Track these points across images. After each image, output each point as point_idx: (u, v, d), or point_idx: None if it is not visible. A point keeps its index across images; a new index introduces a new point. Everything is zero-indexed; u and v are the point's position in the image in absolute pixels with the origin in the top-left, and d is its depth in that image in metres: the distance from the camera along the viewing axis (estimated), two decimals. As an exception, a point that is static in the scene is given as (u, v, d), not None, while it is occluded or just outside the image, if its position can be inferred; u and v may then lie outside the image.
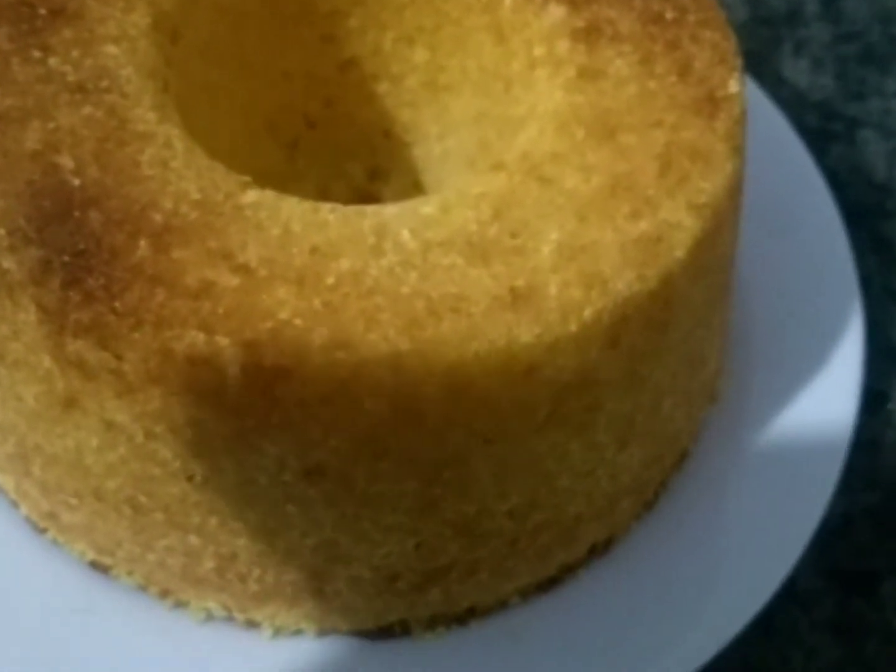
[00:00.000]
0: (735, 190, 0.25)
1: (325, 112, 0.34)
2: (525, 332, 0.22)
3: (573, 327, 0.22)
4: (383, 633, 0.27)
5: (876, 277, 0.37)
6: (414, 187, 0.35)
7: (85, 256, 0.22)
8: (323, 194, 0.35)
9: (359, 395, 0.22)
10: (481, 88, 0.31)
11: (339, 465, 0.23)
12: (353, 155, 0.35)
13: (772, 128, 0.38)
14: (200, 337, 0.21)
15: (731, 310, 0.30)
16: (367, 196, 0.35)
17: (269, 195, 0.24)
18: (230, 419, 0.22)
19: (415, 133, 0.34)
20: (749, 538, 0.29)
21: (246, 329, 0.21)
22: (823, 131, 0.41)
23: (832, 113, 0.42)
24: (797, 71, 0.43)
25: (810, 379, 0.32)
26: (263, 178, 0.34)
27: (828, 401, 0.31)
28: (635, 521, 0.29)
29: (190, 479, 0.24)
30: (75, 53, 0.25)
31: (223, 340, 0.21)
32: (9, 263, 0.22)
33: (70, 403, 0.24)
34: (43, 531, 0.28)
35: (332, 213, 0.24)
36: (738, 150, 0.25)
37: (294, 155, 0.34)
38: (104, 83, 0.25)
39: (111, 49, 0.26)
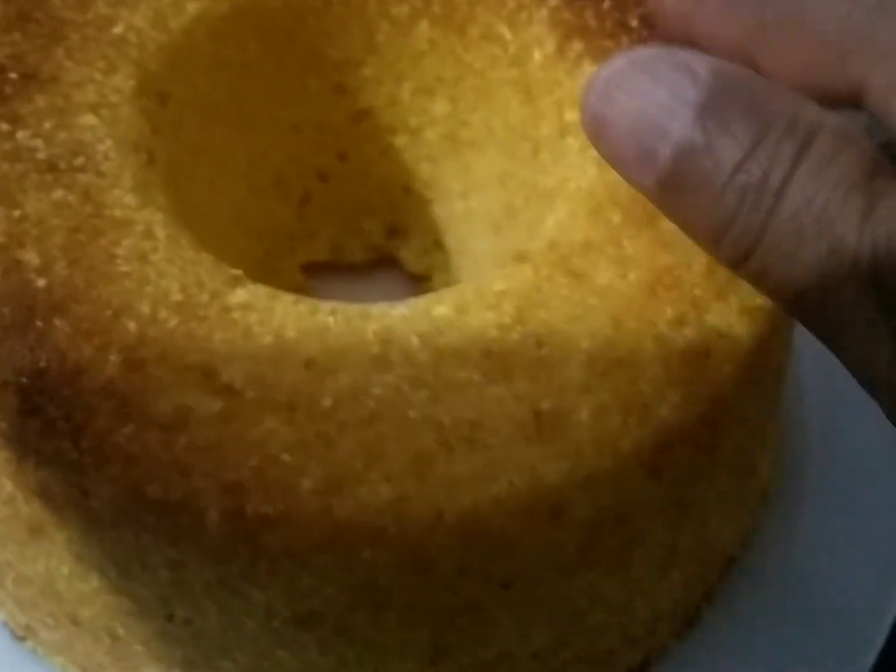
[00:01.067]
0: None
1: (338, 166, 0.31)
2: (552, 468, 0.19)
3: (608, 461, 0.19)
4: None
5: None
6: (435, 246, 0.32)
7: (46, 378, 0.19)
8: (337, 252, 0.32)
9: (357, 543, 0.19)
10: (507, 148, 0.27)
11: (337, 614, 0.20)
12: (370, 211, 0.32)
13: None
14: (174, 478, 0.18)
15: (784, 414, 0.27)
16: (384, 254, 0.32)
17: (260, 294, 0.21)
18: (211, 564, 0.19)
19: (436, 189, 0.30)
20: (803, 655, 0.26)
21: (227, 469, 0.18)
22: None
23: None
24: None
25: (868, 477, 0.28)
26: (272, 238, 0.31)
27: (887, 501, 0.28)
28: (674, 640, 0.26)
29: (170, 618, 0.21)
30: (48, 125, 0.22)
31: (201, 482, 0.18)
32: (-41, 383, 0.19)
33: (36, 531, 0.21)
34: (22, 640, 0.26)
35: (331, 316, 0.21)
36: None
37: (305, 211, 0.31)
38: (79, 161, 0.22)
39: (89, 119, 0.23)
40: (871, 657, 0.26)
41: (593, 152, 0.23)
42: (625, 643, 0.24)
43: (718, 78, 0.16)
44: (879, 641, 0.27)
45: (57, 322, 0.20)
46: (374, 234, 0.32)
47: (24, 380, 0.19)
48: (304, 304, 0.21)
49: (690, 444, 0.20)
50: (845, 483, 0.28)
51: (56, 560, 0.21)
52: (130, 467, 0.18)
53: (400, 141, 0.30)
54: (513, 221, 0.28)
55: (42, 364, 0.19)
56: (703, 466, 0.21)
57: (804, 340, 0.29)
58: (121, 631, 0.22)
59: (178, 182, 0.25)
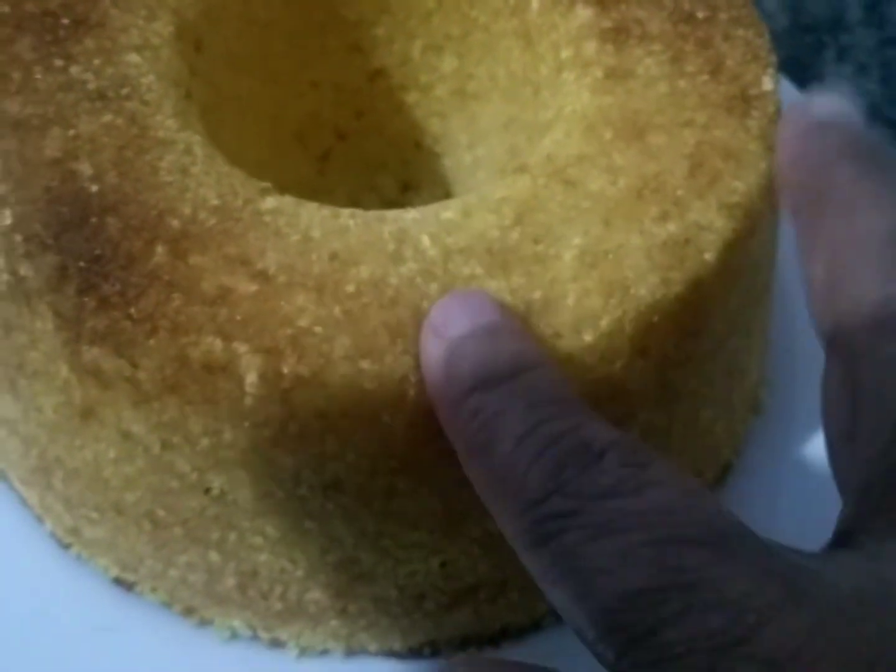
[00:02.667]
0: (770, 190, 0.24)
1: (355, 123, 0.33)
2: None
3: (590, 337, 0.22)
4: (412, 653, 0.26)
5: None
6: (445, 198, 0.34)
7: (101, 262, 0.21)
8: (354, 206, 0.35)
9: (378, 408, 0.21)
10: (510, 95, 0.30)
11: (357, 481, 0.22)
12: (384, 167, 0.34)
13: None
14: (218, 343, 0.21)
15: (772, 318, 0.29)
16: (398, 208, 0.35)
17: (288, 201, 0.24)
18: (247, 429, 0.22)
19: (445, 143, 0.33)
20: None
21: (265, 336, 0.21)
22: (869, 138, 0.40)
23: (878, 118, 0.41)
24: (841, 76, 0.42)
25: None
26: (294, 191, 0.34)
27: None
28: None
29: (207, 491, 0.23)
30: (97, 62, 0.25)
31: (241, 347, 0.21)
32: (26, 270, 0.22)
33: (87, 414, 0.23)
34: (67, 547, 0.28)
35: (351, 219, 0.23)
36: (773, 149, 0.24)
37: (325, 167, 0.34)
38: (125, 91, 0.25)
39: (133, 57, 0.25)
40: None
41: (587, 80, 0.26)
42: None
43: None
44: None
45: (109, 220, 0.22)
46: (388, 189, 0.34)
47: (82, 264, 0.21)
48: (326, 209, 0.24)
49: (674, 326, 0.23)
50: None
51: (104, 444, 0.23)
52: (178, 335, 0.21)
53: (411, 98, 0.33)
54: (515, 160, 0.30)
55: (97, 252, 0.22)
56: (689, 350, 0.24)
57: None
58: (161, 513, 0.24)
59: (210, 126, 0.28)
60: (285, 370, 0.21)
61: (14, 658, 0.27)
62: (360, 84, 0.32)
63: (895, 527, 0.16)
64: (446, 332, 0.20)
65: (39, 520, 0.28)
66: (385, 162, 0.34)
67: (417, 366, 0.21)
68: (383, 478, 0.22)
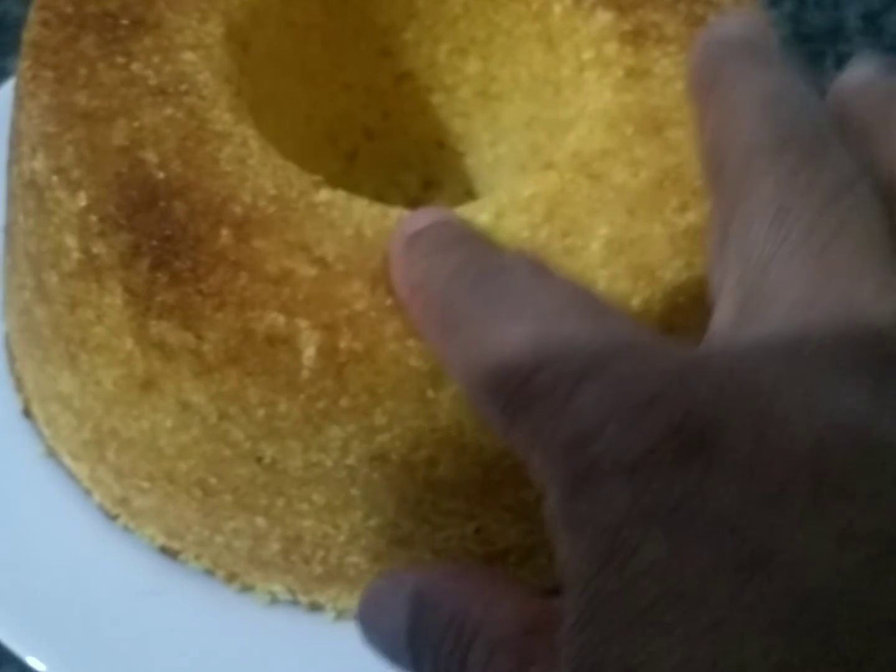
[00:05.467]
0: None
1: (382, 124, 0.35)
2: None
3: (624, 318, 0.24)
4: (442, 617, 0.28)
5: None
6: (466, 195, 0.36)
7: (172, 242, 0.23)
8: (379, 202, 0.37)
9: (423, 384, 0.23)
10: (532, 94, 0.32)
11: (402, 452, 0.24)
12: (408, 165, 0.36)
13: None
14: (280, 319, 0.22)
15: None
16: (420, 206, 0.36)
17: (340, 195, 0.25)
18: (301, 401, 0.23)
19: (467, 142, 0.35)
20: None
21: (324, 314, 0.23)
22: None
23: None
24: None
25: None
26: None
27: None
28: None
29: (259, 460, 0.25)
30: (156, 59, 0.27)
31: (302, 322, 0.22)
32: (99, 248, 0.23)
33: (148, 385, 0.25)
34: (115, 518, 0.29)
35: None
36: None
37: (352, 166, 0.36)
38: (183, 87, 0.26)
39: (189, 56, 0.27)
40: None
41: (609, 79, 0.28)
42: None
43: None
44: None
45: (176, 204, 0.24)
46: (411, 187, 0.36)
47: (154, 243, 0.23)
48: (376, 208, 0.25)
49: (697, 306, 0.25)
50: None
51: (162, 414, 0.25)
52: (244, 310, 0.23)
53: (436, 99, 0.34)
54: (537, 157, 0.32)
55: (168, 233, 0.23)
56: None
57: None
58: (213, 481, 0.26)
59: (255, 121, 0.29)
60: (342, 345, 0.22)
61: (63, 623, 0.28)
62: (388, 86, 0.34)
63: (764, 327, 0.18)
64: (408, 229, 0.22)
65: (88, 493, 0.30)
66: (409, 161, 0.36)
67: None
68: (427, 449, 0.24)
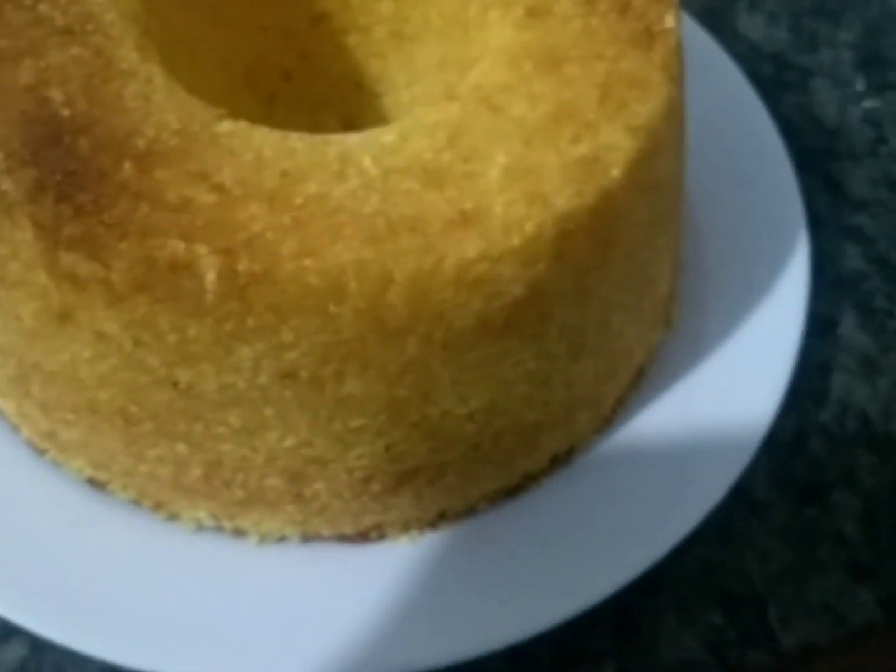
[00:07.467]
0: (672, 115, 0.27)
1: (300, 65, 0.36)
2: (472, 247, 0.24)
3: (516, 241, 0.25)
4: (361, 537, 0.30)
5: (828, 215, 0.40)
6: (385, 135, 0.37)
7: (75, 176, 0.24)
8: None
9: (325, 300, 0.24)
10: (443, 35, 0.33)
11: (310, 369, 0.25)
12: (328, 106, 0.37)
13: (727, 78, 0.40)
14: (181, 246, 0.23)
15: (680, 237, 0.32)
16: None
17: (242, 125, 0.26)
18: (209, 324, 0.24)
19: (384, 83, 0.36)
20: (701, 449, 0.31)
21: (222, 239, 0.24)
22: (778, 81, 0.43)
23: (786, 63, 0.44)
24: (753, 25, 0.45)
25: (759, 306, 0.34)
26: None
27: (775, 326, 0.34)
28: (594, 435, 0.31)
29: (175, 385, 0.26)
30: (63, 1, 0.27)
31: (201, 248, 0.23)
32: (7, 185, 0.24)
33: (64, 317, 0.26)
34: (43, 452, 0.30)
35: (300, 142, 0.26)
36: (674, 79, 0.28)
37: (272, 108, 0.36)
38: (90, 27, 0.27)
39: (96, -3, 0.28)
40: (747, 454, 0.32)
41: (510, 18, 0.29)
42: (549, 422, 0.29)
43: None
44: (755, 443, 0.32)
45: (81, 140, 0.25)
46: (331, 128, 0.37)
47: (58, 177, 0.24)
48: (277, 133, 0.26)
49: (586, 234, 0.26)
50: (739, 311, 0.34)
51: (80, 345, 0.26)
52: (145, 239, 0.23)
53: (352, 40, 0.35)
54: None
55: (71, 168, 0.24)
56: (601, 258, 0.27)
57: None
58: (133, 409, 0.27)
59: (167, 63, 0.30)
60: (240, 268, 0.23)
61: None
62: (304, 27, 0.35)
63: None
64: None
65: (16, 429, 0.31)
66: (328, 102, 0.37)
67: (357, 261, 0.24)
68: (333, 364, 0.25)
